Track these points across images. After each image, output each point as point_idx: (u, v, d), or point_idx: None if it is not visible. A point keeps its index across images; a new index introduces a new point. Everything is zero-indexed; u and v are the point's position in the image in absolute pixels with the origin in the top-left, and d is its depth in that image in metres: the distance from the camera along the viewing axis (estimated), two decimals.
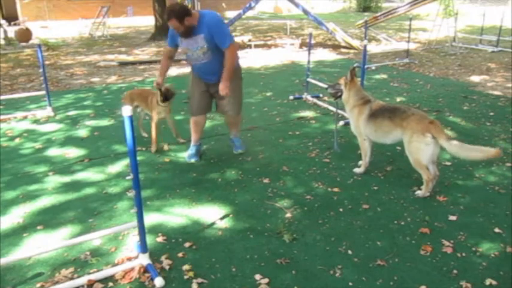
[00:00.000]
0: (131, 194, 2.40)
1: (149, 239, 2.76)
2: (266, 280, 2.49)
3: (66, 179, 3.80)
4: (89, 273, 2.54)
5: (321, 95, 6.37)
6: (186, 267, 2.60)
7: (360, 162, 3.91)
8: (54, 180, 3.77)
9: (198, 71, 3.95)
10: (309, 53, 6.18)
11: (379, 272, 2.57)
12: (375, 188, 3.60)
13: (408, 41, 9.80)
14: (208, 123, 5.23)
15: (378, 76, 7.94)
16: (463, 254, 2.72)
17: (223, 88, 3.72)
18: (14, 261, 2.58)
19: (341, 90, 3.83)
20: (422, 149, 3.32)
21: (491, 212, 3.22)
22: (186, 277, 2.52)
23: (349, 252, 2.75)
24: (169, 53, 4.08)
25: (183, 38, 3.76)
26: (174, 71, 8.59)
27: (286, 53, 10.76)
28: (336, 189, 3.57)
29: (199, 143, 4.27)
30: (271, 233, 2.97)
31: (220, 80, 3.74)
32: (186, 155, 4.22)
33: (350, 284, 2.47)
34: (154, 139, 4.34)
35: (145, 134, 4.74)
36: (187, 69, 8.63)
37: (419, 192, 3.46)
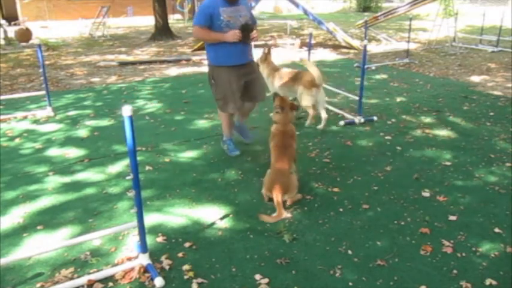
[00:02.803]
0: (131, 194, 2.40)
1: (149, 239, 2.76)
2: (266, 280, 2.49)
3: (66, 179, 3.80)
4: (89, 273, 2.54)
5: None
6: (186, 267, 2.60)
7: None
8: (54, 180, 3.77)
9: (234, 49, 3.85)
10: (309, 53, 6.18)
11: (379, 272, 2.57)
12: (375, 188, 3.60)
13: (408, 41, 9.80)
14: (208, 123, 5.25)
15: (378, 76, 7.94)
16: (463, 254, 2.72)
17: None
18: (14, 261, 2.58)
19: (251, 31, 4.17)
20: (308, 98, 4.92)
21: (491, 212, 3.22)
22: (186, 277, 2.52)
23: (349, 252, 2.75)
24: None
25: (227, 6, 3.75)
26: (174, 71, 8.60)
27: (286, 53, 10.76)
28: (336, 189, 3.57)
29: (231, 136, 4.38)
30: (271, 233, 2.97)
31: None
32: (227, 151, 4.29)
33: (350, 284, 2.47)
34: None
35: None
36: (187, 69, 8.66)
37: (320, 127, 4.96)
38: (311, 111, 4.99)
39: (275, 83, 5.18)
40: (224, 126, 4.30)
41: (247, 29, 3.77)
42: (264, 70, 5.18)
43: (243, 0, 3.93)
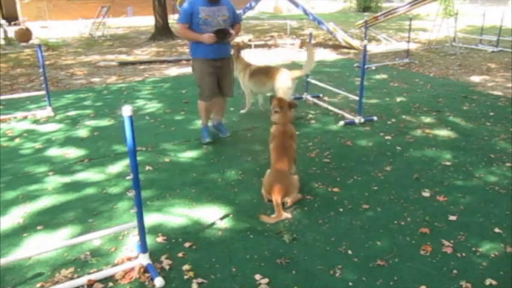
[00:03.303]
0: (131, 194, 2.40)
1: (149, 239, 2.76)
2: (266, 280, 2.49)
3: (66, 179, 3.80)
4: (89, 273, 2.54)
5: (321, 95, 6.37)
6: (186, 267, 2.60)
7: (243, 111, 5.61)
8: (54, 180, 3.77)
9: (210, 46, 4.20)
10: None
11: (379, 272, 2.57)
12: (375, 188, 3.60)
13: (408, 41, 9.80)
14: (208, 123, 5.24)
15: (378, 76, 7.94)
16: (463, 254, 2.72)
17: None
18: (14, 261, 2.59)
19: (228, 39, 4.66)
20: (287, 92, 5.12)
21: (491, 212, 3.22)
22: (186, 277, 2.52)
23: (349, 252, 2.75)
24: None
25: (206, 6, 4.15)
26: (174, 71, 8.60)
27: (286, 53, 10.76)
28: (336, 189, 3.57)
29: (207, 124, 4.70)
30: (271, 233, 2.97)
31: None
32: (201, 138, 4.63)
33: (350, 284, 2.47)
34: None
35: None
36: (187, 69, 8.65)
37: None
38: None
39: (245, 78, 5.35)
40: (201, 115, 4.64)
41: (221, 32, 4.18)
42: (236, 67, 5.36)
43: (226, 2, 4.30)
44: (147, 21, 17.30)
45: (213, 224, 3.09)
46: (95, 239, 2.82)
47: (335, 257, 2.71)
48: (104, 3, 15.48)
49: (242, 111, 5.60)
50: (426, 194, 3.49)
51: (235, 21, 4.44)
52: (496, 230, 2.99)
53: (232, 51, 4.93)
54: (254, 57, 9.86)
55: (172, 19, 17.27)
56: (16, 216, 3.18)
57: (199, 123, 5.24)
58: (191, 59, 4.57)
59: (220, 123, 4.86)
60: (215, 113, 4.79)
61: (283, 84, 5.14)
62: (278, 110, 3.63)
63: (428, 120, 5.35)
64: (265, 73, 5.30)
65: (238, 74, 5.40)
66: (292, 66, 8.95)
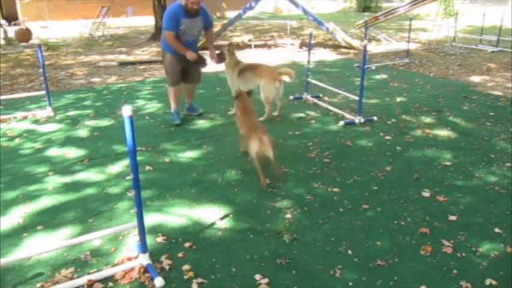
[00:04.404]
0: (131, 194, 2.40)
1: (149, 239, 2.76)
2: (266, 280, 2.49)
3: (66, 179, 3.80)
4: (89, 273, 2.54)
5: (321, 95, 6.37)
6: (186, 267, 2.60)
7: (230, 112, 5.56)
8: (54, 180, 3.77)
9: (186, 45, 4.83)
10: (309, 53, 6.18)
11: (379, 272, 2.57)
12: (375, 188, 3.60)
13: (408, 41, 9.80)
14: (208, 123, 5.25)
15: (378, 76, 7.94)
16: (463, 254, 2.73)
17: (213, 56, 5.19)
18: (14, 261, 2.58)
19: (224, 58, 5.35)
20: (271, 90, 5.15)
21: (491, 212, 3.22)
22: (186, 277, 2.52)
23: (349, 252, 2.75)
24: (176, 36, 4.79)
25: (187, 18, 4.68)
26: None
27: (286, 53, 10.76)
28: (336, 189, 3.57)
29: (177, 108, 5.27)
30: (271, 233, 2.97)
31: (209, 52, 5.21)
32: (172, 120, 5.20)
33: (350, 284, 2.47)
34: None
35: None
36: None
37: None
38: (269, 106, 5.30)
39: (234, 75, 5.40)
40: (171, 99, 5.24)
41: (201, 57, 4.95)
42: (227, 63, 5.41)
43: (202, 11, 4.80)
44: (147, 21, 17.30)
45: (213, 224, 3.09)
46: (95, 239, 2.81)
47: (335, 257, 2.71)
48: (104, 3, 15.47)
49: (230, 113, 5.58)
50: (426, 194, 3.49)
51: (207, 27, 5.05)
52: (496, 230, 2.99)
53: (226, 49, 5.43)
54: (254, 57, 9.87)
55: None
56: (16, 216, 3.18)
57: (199, 123, 5.26)
58: (162, 51, 5.09)
59: (192, 105, 5.54)
60: (187, 98, 5.48)
61: (268, 83, 5.17)
62: (238, 94, 4.36)
63: (428, 120, 5.35)
64: (253, 70, 5.35)
65: (227, 72, 5.47)
66: (292, 66, 8.97)
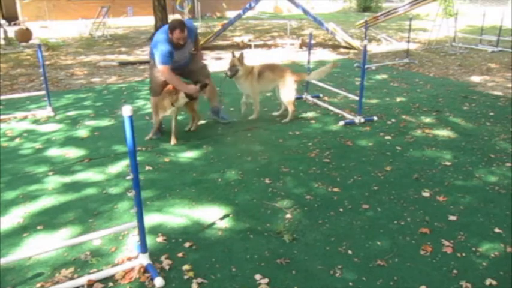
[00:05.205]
0: (131, 194, 2.40)
1: (149, 239, 2.76)
2: (266, 280, 2.49)
3: (66, 179, 3.80)
4: (89, 273, 2.54)
5: (321, 95, 6.37)
6: (186, 267, 2.60)
7: (253, 116, 5.37)
8: (54, 180, 3.77)
9: (177, 65, 4.55)
10: (309, 53, 6.18)
11: (379, 272, 2.57)
12: (375, 188, 3.60)
13: (408, 41, 9.80)
14: (208, 124, 5.24)
15: (378, 76, 7.94)
16: (463, 254, 2.72)
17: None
18: (14, 261, 2.58)
19: (237, 70, 5.05)
20: (293, 90, 5.22)
21: (491, 212, 3.22)
22: (186, 277, 2.52)
23: (349, 252, 2.75)
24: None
25: (177, 50, 4.41)
26: None
27: (286, 53, 10.76)
28: (336, 189, 3.57)
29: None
30: (271, 233, 2.97)
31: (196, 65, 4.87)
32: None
33: (350, 284, 2.47)
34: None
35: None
36: None
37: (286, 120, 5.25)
38: (293, 107, 5.28)
39: (253, 81, 5.17)
40: (153, 110, 4.82)
41: (204, 85, 4.58)
42: (241, 75, 5.10)
43: (190, 34, 4.49)
44: (147, 21, 17.29)
45: (213, 224, 3.09)
46: (95, 239, 2.81)
47: (335, 257, 2.71)
48: (104, 3, 15.47)
49: (251, 117, 5.34)
50: (426, 194, 3.49)
51: (195, 38, 4.77)
52: (496, 230, 2.99)
53: (235, 59, 5.02)
54: (254, 57, 9.87)
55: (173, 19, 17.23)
56: (16, 216, 3.18)
57: (199, 123, 5.24)
58: (151, 60, 4.64)
59: (219, 109, 5.21)
60: (211, 100, 5.15)
61: (291, 83, 5.19)
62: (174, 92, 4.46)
63: (428, 120, 5.35)
64: (272, 71, 5.25)
65: (243, 81, 5.13)
66: (292, 66, 8.97)
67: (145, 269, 2.55)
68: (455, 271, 2.57)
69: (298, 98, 6.27)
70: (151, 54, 4.61)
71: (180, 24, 4.28)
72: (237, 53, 5.16)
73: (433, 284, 2.46)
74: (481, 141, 4.61)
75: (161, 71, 4.38)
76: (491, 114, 5.56)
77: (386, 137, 4.76)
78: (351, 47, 11.24)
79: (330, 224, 3.08)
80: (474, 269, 2.59)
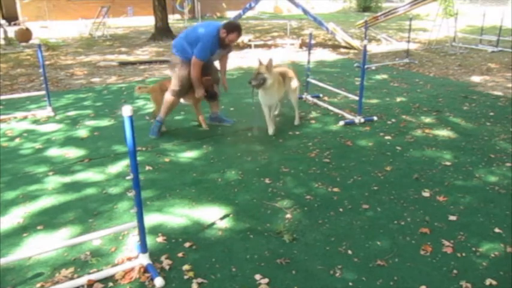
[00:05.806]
0: (131, 194, 2.40)
1: (149, 239, 2.76)
2: (266, 280, 2.49)
3: (66, 179, 3.80)
4: (89, 273, 2.54)
5: (321, 95, 6.37)
6: (186, 267, 2.60)
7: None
8: (54, 180, 3.77)
9: (205, 67, 4.60)
10: (309, 53, 6.18)
11: (379, 272, 2.57)
12: (375, 188, 3.60)
13: (408, 41, 9.80)
14: (208, 124, 5.24)
15: (378, 76, 7.94)
16: (463, 254, 2.72)
17: (224, 81, 4.94)
18: (14, 261, 2.58)
19: (265, 78, 4.52)
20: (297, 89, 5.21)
21: (491, 212, 3.22)
22: (186, 277, 2.52)
23: (349, 252, 2.75)
24: None
25: (220, 49, 4.52)
26: None
27: (286, 53, 10.76)
28: (336, 189, 3.57)
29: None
30: (271, 233, 2.97)
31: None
32: (152, 129, 4.81)
33: (350, 284, 2.47)
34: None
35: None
36: None
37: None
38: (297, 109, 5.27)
39: (280, 85, 4.85)
40: (166, 109, 4.77)
41: (212, 93, 4.84)
42: (273, 83, 4.61)
43: None
44: (147, 21, 17.31)
45: (213, 224, 3.09)
46: (95, 239, 2.81)
47: (335, 257, 2.71)
48: (104, 3, 15.48)
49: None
50: (426, 194, 3.49)
51: (227, 52, 4.86)
52: (496, 230, 2.99)
53: (263, 67, 4.49)
54: (254, 57, 9.87)
55: (172, 19, 17.27)
56: (16, 216, 3.18)
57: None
58: (179, 58, 4.52)
59: (220, 115, 5.25)
60: (212, 106, 5.16)
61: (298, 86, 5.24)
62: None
63: (428, 120, 5.35)
64: (283, 75, 4.96)
65: (271, 91, 4.64)
66: (292, 66, 8.96)
67: (145, 269, 2.55)
68: (455, 271, 2.57)
69: (298, 98, 6.27)
70: (180, 52, 4.51)
71: (240, 29, 4.47)
72: (264, 60, 4.57)
73: (433, 284, 2.46)
74: (481, 141, 4.61)
75: (194, 62, 4.42)
76: (491, 114, 5.56)
77: (386, 137, 4.76)
78: (351, 47, 11.25)
79: (330, 224, 3.08)
80: (474, 269, 2.59)
